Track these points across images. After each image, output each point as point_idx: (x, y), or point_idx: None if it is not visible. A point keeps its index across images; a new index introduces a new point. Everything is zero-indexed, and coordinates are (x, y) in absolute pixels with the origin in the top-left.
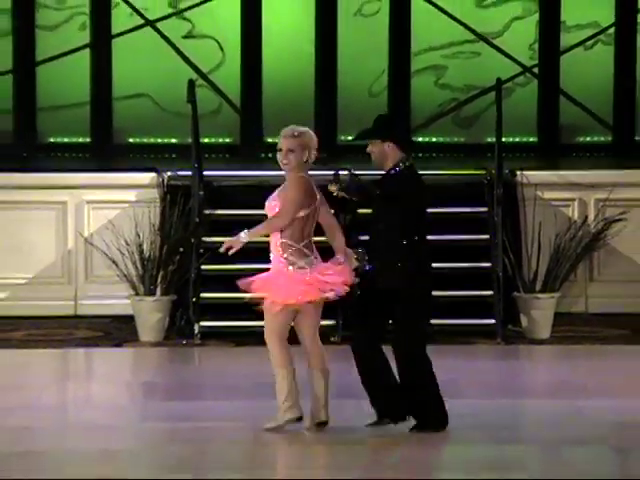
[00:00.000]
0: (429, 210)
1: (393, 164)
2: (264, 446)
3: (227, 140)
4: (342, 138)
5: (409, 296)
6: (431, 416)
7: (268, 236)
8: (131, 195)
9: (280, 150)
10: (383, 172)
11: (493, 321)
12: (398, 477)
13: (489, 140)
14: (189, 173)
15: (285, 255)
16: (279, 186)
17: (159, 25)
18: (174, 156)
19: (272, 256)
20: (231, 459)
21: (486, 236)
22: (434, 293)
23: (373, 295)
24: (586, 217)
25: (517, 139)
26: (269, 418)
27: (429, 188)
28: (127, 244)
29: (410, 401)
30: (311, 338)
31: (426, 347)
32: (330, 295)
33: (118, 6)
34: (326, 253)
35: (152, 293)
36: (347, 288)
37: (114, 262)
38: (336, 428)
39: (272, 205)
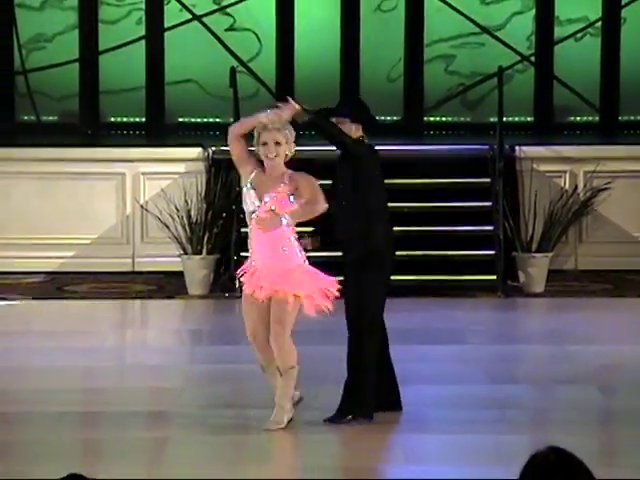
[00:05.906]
0: (441, 180)
1: None
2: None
3: None
4: None
5: None
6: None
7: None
8: (181, 167)
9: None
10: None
11: (494, 277)
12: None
13: (492, 120)
14: None
15: None
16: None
17: (205, 20)
18: (218, 134)
19: None
20: (268, 397)
21: (489, 203)
22: (444, 253)
23: None
24: (576, 187)
25: (516, 119)
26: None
27: (438, 162)
28: (177, 210)
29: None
30: (270, 333)
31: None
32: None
33: (170, 3)
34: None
35: (199, 252)
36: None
37: (166, 225)
38: None
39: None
